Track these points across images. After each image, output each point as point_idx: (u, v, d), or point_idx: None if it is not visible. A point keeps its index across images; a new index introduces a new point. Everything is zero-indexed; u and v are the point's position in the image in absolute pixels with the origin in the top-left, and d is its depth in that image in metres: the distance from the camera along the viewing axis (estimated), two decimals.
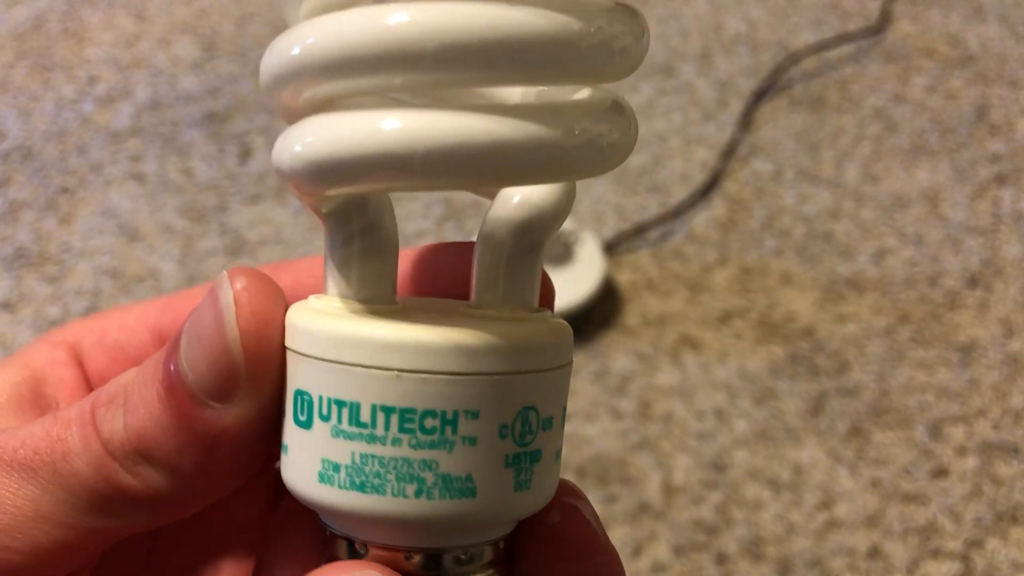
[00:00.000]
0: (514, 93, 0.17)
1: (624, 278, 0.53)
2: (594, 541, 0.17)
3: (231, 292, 0.15)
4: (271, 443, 0.16)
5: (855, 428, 0.47)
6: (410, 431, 0.15)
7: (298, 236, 0.55)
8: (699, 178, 0.60)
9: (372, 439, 0.15)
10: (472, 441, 0.15)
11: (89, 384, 0.20)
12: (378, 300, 0.16)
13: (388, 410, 0.14)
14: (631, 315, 0.51)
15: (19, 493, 0.16)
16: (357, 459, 0.15)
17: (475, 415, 0.15)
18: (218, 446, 0.16)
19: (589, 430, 0.46)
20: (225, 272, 0.15)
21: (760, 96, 0.66)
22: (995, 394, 0.49)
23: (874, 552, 0.42)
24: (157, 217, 0.56)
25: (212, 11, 0.71)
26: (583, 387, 0.48)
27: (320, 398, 0.15)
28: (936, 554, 0.42)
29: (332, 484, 0.15)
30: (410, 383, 0.14)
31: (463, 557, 0.16)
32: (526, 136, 0.14)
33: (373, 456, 0.15)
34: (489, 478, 0.15)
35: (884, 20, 0.73)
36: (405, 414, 0.14)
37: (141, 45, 0.68)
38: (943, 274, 0.55)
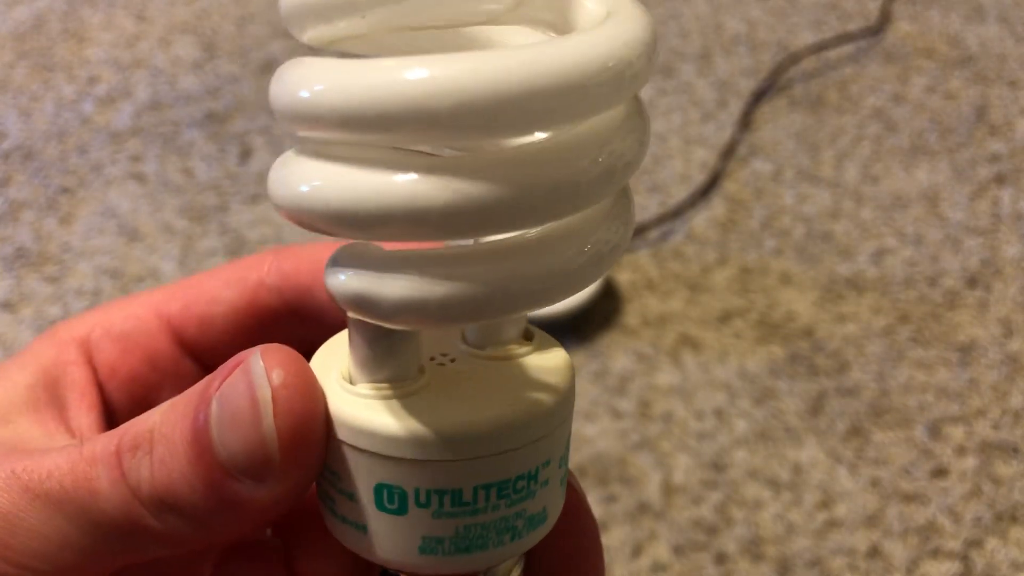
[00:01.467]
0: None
1: (624, 278, 0.53)
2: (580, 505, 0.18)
3: (268, 389, 0.15)
4: (302, 496, 0.16)
5: (855, 428, 0.47)
6: (506, 495, 0.16)
7: (298, 236, 0.55)
8: (699, 178, 0.60)
9: (475, 512, 0.16)
10: (546, 483, 0.16)
11: (99, 382, 0.20)
12: (407, 377, 0.16)
13: (488, 487, 0.16)
14: (631, 315, 0.51)
15: (48, 523, 0.16)
16: (461, 530, 0.16)
17: (547, 463, 0.16)
18: (247, 511, 0.16)
19: (589, 430, 0.46)
20: (259, 356, 0.15)
21: (760, 96, 0.66)
22: (994, 394, 0.49)
23: (874, 552, 0.42)
24: (157, 217, 0.56)
25: (212, 11, 0.71)
26: (583, 387, 0.48)
27: (416, 490, 0.16)
28: (936, 554, 0.43)
29: (436, 554, 0.16)
30: (500, 461, 0.16)
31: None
32: (543, 256, 0.14)
33: (476, 524, 0.16)
34: (555, 502, 0.17)
35: (884, 20, 0.73)
36: (503, 486, 0.16)
37: (141, 45, 0.68)
38: (943, 274, 0.55)
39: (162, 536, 0.16)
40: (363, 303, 0.14)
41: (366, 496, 0.16)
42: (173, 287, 0.21)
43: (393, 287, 0.14)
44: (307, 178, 0.14)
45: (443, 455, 0.15)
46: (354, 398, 0.16)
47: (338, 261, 0.15)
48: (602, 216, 0.15)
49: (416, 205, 0.13)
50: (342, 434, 0.16)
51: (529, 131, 0.14)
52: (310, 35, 0.15)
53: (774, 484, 0.44)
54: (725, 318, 0.52)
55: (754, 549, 0.42)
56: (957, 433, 0.47)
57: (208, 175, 0.59)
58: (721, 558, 0.42)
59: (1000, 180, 0.61)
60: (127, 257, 0.54)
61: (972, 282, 0.55)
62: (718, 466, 0.45)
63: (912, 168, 0.62)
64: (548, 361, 0.17)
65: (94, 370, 0.20)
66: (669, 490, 0.44)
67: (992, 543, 0.43)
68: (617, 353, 0.49)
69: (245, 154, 0.60)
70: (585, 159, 0.14)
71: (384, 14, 0.14)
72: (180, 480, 0.16)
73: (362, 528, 0.16)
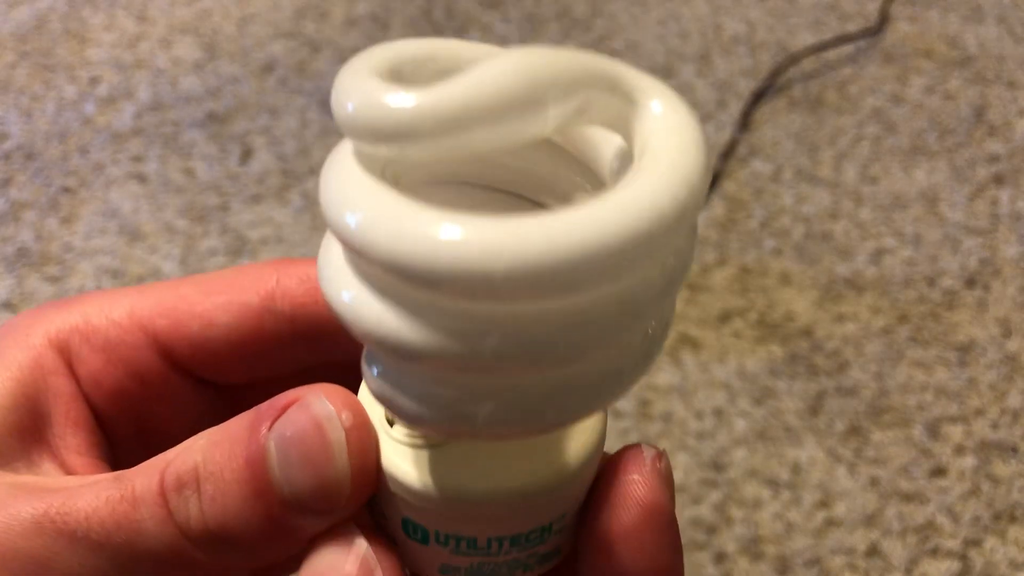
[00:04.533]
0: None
1: None
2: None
3: (342, 432, 0.16)
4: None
5: (854, 427, 0.47)
6: (518, 544, 0.16)
7: (298, 236, 0.55)
8: None
9: (487, 554, 0.16)
10: (561, 531, 0.17)
11: (83, 393, 0.19)
12: None
13: (501, 539, 0.16)
14: None
15: (87, 565, 0.16)
16: (475, 565, 0.17)
17: (563, 515, 0.17)
18: (303, 539, 0.16)
19: None
20: (325, 399, 0.16)
21: (759, 97, 0.67)
22: (993, 393, 0.49)
23: (873, 551, 0.43)
24: (158, 217, 0.56)
25: (213, 12, 0.71)
26: None
27: (436, 532, 0.16)
28: (934, 553, 0.43)
29: (455, 575, 0.17)
30: (516, 519, 0.16)
31: None
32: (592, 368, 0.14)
33: (490, 563, 0.17)
34: (569, 539, 0.17)
35: (883, 21, 0.74)
36: (515, 538, 0.16)
37: (142, 46, 0.68)
38: (941, 274, 0.55)
39: (207, 567, 0.16)
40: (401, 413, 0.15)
41: (395, 522, 0.17)
42: (157, 295, 0.19)
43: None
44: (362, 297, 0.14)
45: (462, 511, 0.16)
46: (391, 442, 0.16)
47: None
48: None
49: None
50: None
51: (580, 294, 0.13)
52: (368, 150, 0.14)
53: (773, 483, 0.45)
54: (724, 318, 0.52)
55: (753, 548, 0.42)
56: (956, 433, 0.47)
57: (209, 175, 0.59)
58: (721, 557, 0.42)
59: (999, 180, 0.62)
60: (128, 257, 0.54)
61: (971, 282, 0.55)
62: (718, 465, 0.45)
63: (911, 168, 0.62)
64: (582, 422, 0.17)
65: (76, 380, 0.19)
66: None
67: (991, 542, 0.43)
68: None
69: (246, 154, 0.60)
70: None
71: (444, 147, 0.14)
72: (236, 519, 0.16)
73: (393, 542, 0.17)
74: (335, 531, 0.16)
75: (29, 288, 0.52)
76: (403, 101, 0.13)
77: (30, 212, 0.56)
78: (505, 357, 0.13)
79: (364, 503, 0.16)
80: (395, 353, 0.13)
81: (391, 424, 0.16)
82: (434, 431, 0.15)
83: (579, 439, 0.16)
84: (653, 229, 0.13)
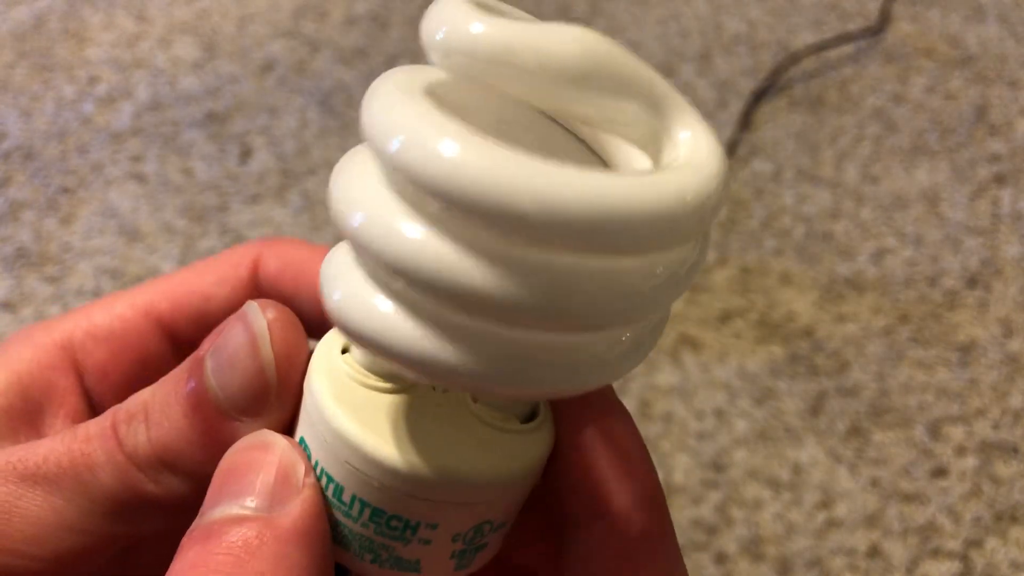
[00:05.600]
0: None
1: None
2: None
3: (264, 320, 0.16)
4: None
5: (855, 428, 0.47)
6: (376, 523, 0.16)
7: (298, 236, 0.55)
8: None
9: (347, 515, 0.16)
10: (427, 542, 0.16)
11: (86, 388, 0.20)
12: (384, 374, 0.17)
13: (364, 503, 0.16)
14: None
15: (44, 505, 0.16)
16: (333, 518, 0.16)
17: (434, 527, 0.16)
18: None
19: None
20: (254, 303, 0.17)
21: (760, 96, 0.66)
22: (995, 394, 0.49)
23: (873, 551, 0.42)
24: (157, 217, 0.56)
25: (212, 11, 0.71)
26: None
27: (316, 462, 0.16)
28: (936, 554, 0.43)
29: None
30: (386, 492, 0.16)
31: None
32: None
33: (344, 524, 0.16)
34: (434, 564, 0.17)
35: (884, 20, 0.73)
36: (376, 512, 0.16)
37: (141, 45, 0.68)
38: (942, 274, 0.55)
39: (161, 501, 0.17)
40: (367, 344, 0.14)
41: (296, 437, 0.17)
42: (155, 285, 0.21)
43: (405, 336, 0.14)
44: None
45: (344, 455, 0.16)
46: (331, 378, 0.16)
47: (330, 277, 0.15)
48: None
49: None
50: (307, 385, 0.16)
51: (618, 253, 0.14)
52: (453, 66, 0.14)
53: (774, 484, 0.44)
54: (725, 318, 0.52)
55: (754, 549, 0.42)
56: (957, 433, 0.47)
57: (208, 175, 0.59)
58: (721, 558, 0.42)
59: (1000, 180, 0.61)
60: (127, 257, 0.54)
61: (972, 282, 0.55)
62: (718, 466, 0.45)
63: (912, 168, 0.62)
64: (517, 452, 0.17)
65: (79, 376, 0.20)
66: (669, 490, 0.44)
67: (992, 543, 0.43)
68: None
69: (245, 154, 0.60)
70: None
71: (535, 88, 0.14)
72: (176, 435, 0.16)
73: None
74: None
75: (28, 288, 0.52)
76: (474, 25, 0.13)
77: (28, 212, 0.56)
78: (526, 306, 0.13)
79: (293, 408, 0.17)
80: (415, 278, 0.13)
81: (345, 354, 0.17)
82: (414, 370, 0.14)
83: (523, 453, 0.16)
84: (677, 210, 0.13)
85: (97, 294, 0.51)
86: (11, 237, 0.55)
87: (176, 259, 0.53)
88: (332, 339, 0.17)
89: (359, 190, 0.14)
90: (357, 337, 0.14)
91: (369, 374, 0.16)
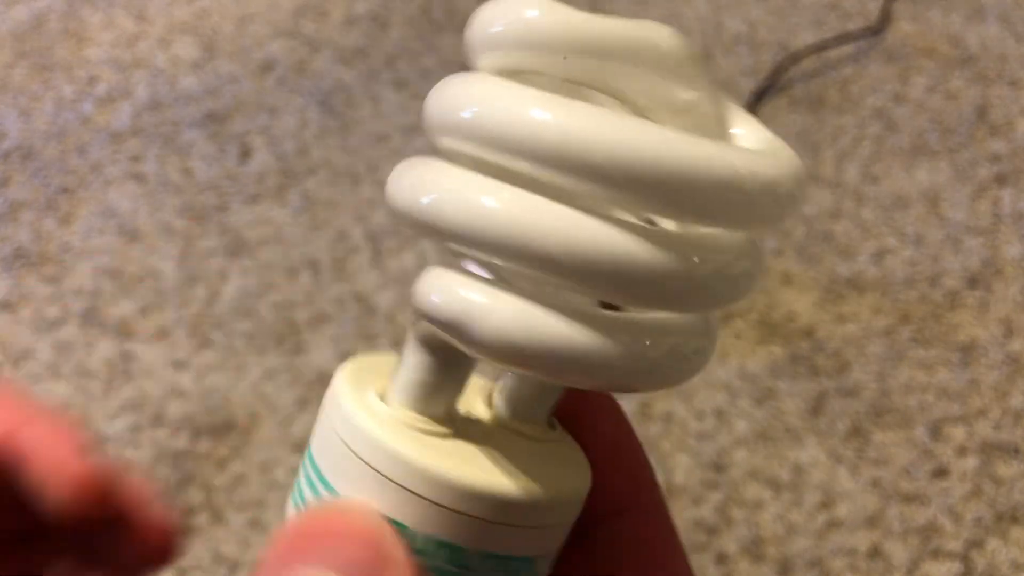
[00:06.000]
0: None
1: None
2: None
3: None
4: None
5: (855, 428, 0.47)
6: (450, 554, 0.15)
7: (297, 236, 0.55)
8: None
9: (418, 554, 0.15)
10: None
11: None
12: (439, 418, 0.16)
13: (441, 543, 0.15)
14: None
15: None
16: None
17: (534, 560, 0.16)
18: None
19: None
20: None
21: (760, 96, 0.66)
22: (995, 394, 0.49)
23: (874, 552, 0.42)
24: (157, 217, 0.56)
25: (212, 11, 0.71)
26: None
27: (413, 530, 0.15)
28: (936, 554, 0.42)
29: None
30: (503, 531, 0.15)
31: None
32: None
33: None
34: None
35: (884, 20, 0.73)
36: (454, 551, 0.15)
37: (141, 45, 0.68)
38: (943, 274, 0.55)
39: None
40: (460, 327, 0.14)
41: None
42: None
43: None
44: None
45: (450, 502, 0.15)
46: (385, 418, 0.16)
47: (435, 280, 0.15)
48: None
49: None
50: (359, 449, 0.16)
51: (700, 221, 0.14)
52: (499, 61, 0.14)
53: (774, 484, 0.44)
54: (725, 318, 0.52)
55: (755, 549, 0.42)
56: (958, 433, 0.47)
57: (208, 175, 0.59)
58: (722, 558, 0.42)
59: (1000, 180, 0.61)
60: (127, 257, 0.53)
61: (973, 282, 0.55)
62: (718, 466, 0.45)
63: (912, 168, 0.62)
64: (571, 454, 0.17)
65: None
66: (670, 490, 0.44)
67: (993, 543, 0.43)
68: None
69: (245, 154, 0.60)
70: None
71: (583, 66, 0.14)
72: None
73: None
74: None
75: (27, 288, 0.52)
76: (531, 9, 0.14)
77: (28, 212, 0.56)
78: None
79: None
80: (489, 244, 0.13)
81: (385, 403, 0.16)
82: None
83: (572, 471, 0.16)
84: (793, 186, 0.14)
85: (96, 294, 0.51)
86: (10, 237, 0.54)
87: (175, 259, 0.53)
88: (355, 396, 0.16)
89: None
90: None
91: (427, 419, 0.16)
